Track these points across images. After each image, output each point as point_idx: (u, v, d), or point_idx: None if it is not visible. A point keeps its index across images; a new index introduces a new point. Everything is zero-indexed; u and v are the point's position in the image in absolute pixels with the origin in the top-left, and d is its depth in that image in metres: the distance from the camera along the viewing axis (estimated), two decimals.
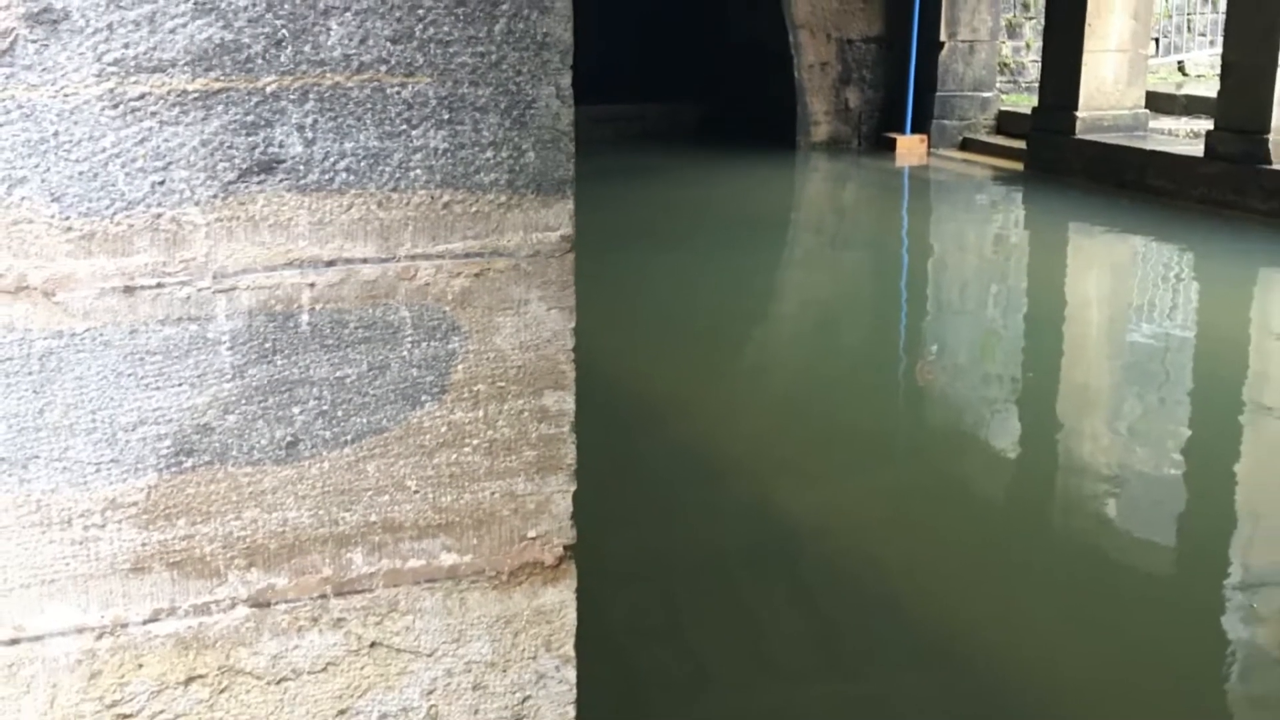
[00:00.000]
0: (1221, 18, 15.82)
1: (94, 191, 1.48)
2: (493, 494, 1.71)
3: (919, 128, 17.13)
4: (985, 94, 17.32)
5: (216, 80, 1.50)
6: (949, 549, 5.30)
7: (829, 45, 17.38)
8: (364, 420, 1.63)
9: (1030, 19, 18.71)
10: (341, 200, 1.57)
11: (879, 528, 5.51)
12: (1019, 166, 15.42)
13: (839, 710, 4.10)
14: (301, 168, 1.55)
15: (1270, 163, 12.10)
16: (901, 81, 17.24)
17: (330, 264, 1.58)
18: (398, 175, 1.59)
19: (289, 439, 1.61)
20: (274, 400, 1.59)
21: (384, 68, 1.56)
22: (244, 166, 1.52)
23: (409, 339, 1.63)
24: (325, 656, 1.68)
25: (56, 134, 1.46)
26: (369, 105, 1.56)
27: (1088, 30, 14.39)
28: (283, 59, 1.52)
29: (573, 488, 1.75)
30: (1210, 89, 15.47)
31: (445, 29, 1.57)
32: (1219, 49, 14.05)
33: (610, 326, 8.18)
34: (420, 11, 1.56)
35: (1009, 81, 18.49)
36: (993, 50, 17.42)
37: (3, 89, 1.43)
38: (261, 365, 1.58)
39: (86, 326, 1.50)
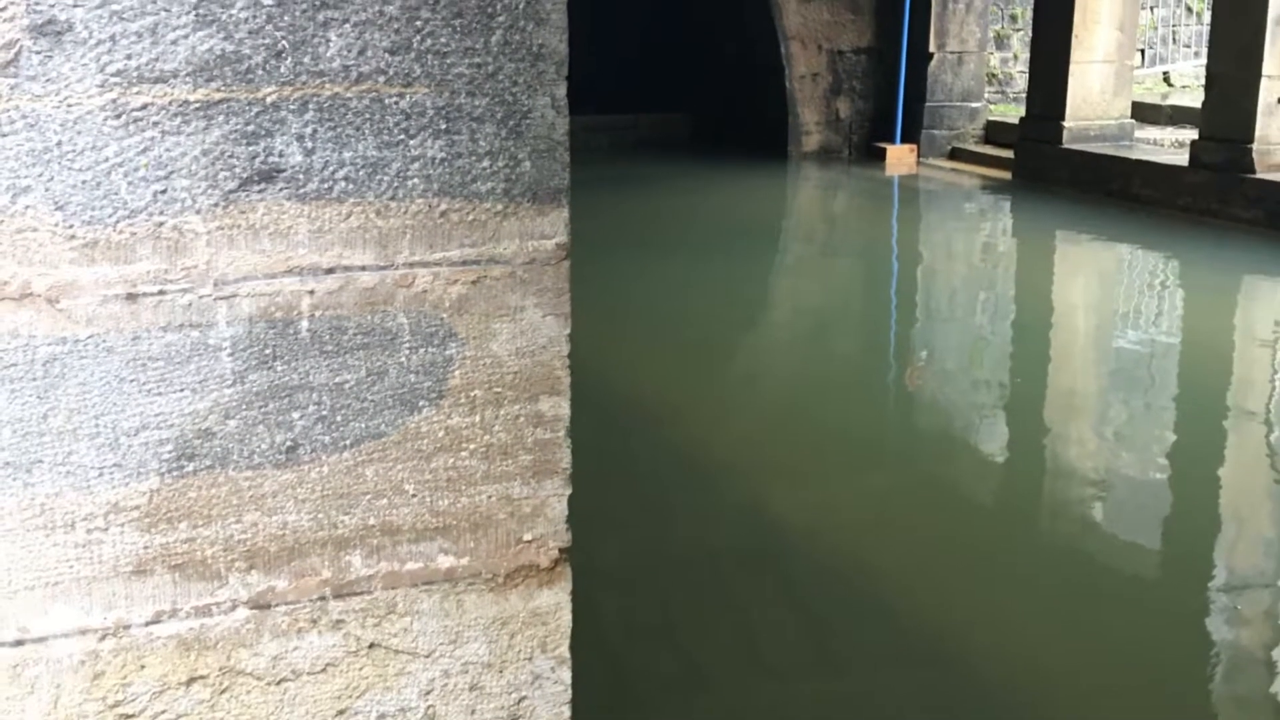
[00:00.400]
0: (1206, 29, 15.86)
1: (97, 200, 1.48)
2: (489, 498, 1.71)
3: (908, 137, 17.15)
4: (973, 104, 17.34)
5: (217, 91, 1.50)
6: (937, 551, 5.30)
7: (820, 56, 17.40)
8: (362, 425, 1.63)
9: (1018, 30, 18.75)
10: (340, 209, 1.57)
11: (869, 530, 5.51)
12: (1007, 175, 15.43)
13: (829, 708, 4.10)
14: (301, 177, 1.55)
15: (1254, 171, 12.12)
16: (891, 92, 17.26)
17: (329, 271, 1.58)
18: (396, 184, 1.59)
19: (289, 444, 1.61)
20: (274, 405, 1.59)
21: (382, 78, 1.56)
22: (244, 175, 1.53)
23: (407, 345, 1.63)
24: (324, 657, 1.68)
25: (60, 144, 1.46)
26: (368, 115, 1.56)
27: (1074, 42, 14.42)
28: (283, 70, 1.52)
29: (568, 491, 1.76)
30: (1195, 99, 15.49)
31: (442, 40, 1.58)
32: (1203, 60, 14.10)
33: (605, 332, 8.19)
34: (418, 23, 1.56)
35: (997, 92, 18.52)
36: (981, 61, 17.43)
37: (7, 99, 1.43)
38: (262, 371, 1.58)
39: (90, 333, 1.50)
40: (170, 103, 1.49)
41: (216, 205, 1.52)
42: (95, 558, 1.56)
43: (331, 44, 1.53)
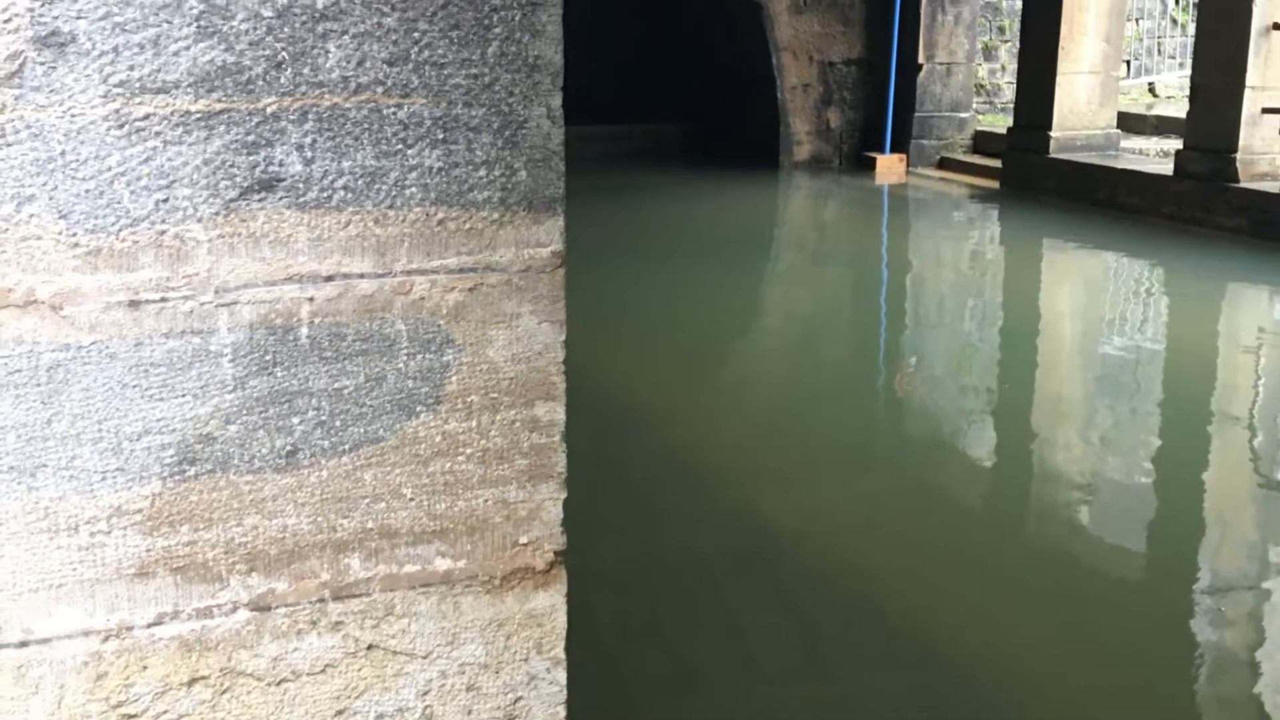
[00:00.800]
0: (1190, 41, 15.87)
1: (100, 209, 1.48)
2: (486, 501, 1.71)
3: (898, 147, 17.16)
4: (962, 114, 17.35)
5: (218, 101, 1.50)
6: (926, 554, 5.30)
7: (811, 67, 17.40)
8: (361, 430, 1.64)
9: (1005, 42, 18.76)
10: (339, 217, 1.57)
11: (859, 533, 5.51)
12: (995, 184, 15.44)
13: (820, 709, 4.10)
14: (301, 186, 1.55)
15: (1237, 181, 12.14)
16: (881, 102, 17.26)
17: (329, 279, 1.58)
18: (394, 193, 1.59)
19: (289, 448, 1.61)
20: (274, 411, 1.59)
21: (380, 89, 1.56)
22: (245, 185, 1.53)
23: (404, 351, 1.63)
24: (324, 658, 1.68)
25: (64, 153, 1.46)
26: (366, 125, 1.57)
27: (1061, 53, 14.44)
28: (282, 80, 1.52)
29: (563, 495, 1.76)
30: (1179, 109, 15.52)
31: (440, 51, 1.58)
32: (1188, 71, 14.10)
33: (600, 339, 8.19)
34: (415, 35, 1.57)
35: (985, 102, 18.53)
36: (969, 72, 17.45)
37: (12, 109, 1.44)
38: (262, 377, 1.58)
39: (93, 339, 1.51)
40: (172, 113, 1.49)
41: (217, 214, 1.53)
42: (98, 560, 1.56)
43: (330, 55, 1.54)
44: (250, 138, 1.52)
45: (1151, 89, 20.17)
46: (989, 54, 18.84)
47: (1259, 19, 11.99)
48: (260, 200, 1.54)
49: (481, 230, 1.64)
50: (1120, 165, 14.03)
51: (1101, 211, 13.49)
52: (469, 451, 1.69)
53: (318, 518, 1.64)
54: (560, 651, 1.81)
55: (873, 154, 17.21)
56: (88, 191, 1.48)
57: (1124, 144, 15.24)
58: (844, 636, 4.58)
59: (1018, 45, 16.05)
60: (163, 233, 1.51)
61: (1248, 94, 12.06)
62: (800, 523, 5.58)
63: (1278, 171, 12.25)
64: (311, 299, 1.58)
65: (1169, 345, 9.20)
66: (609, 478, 5.89)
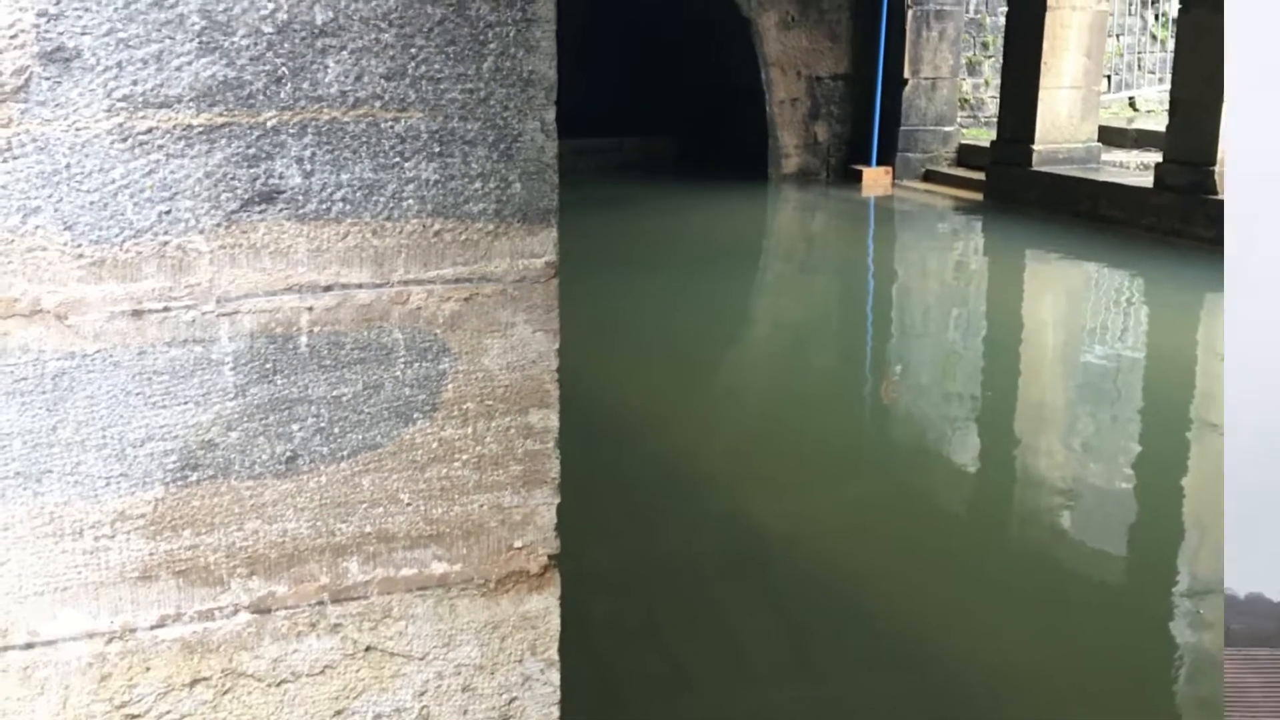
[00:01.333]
0: (1170, 56, 15.90)
1: (104, 220, 1.48)
2: (481, 506, 1.72)
3: (884, 160, 17.19)
4: (946, 128, 17.38)
5: (220, 115, 1.51)
6: (913, 558, 5.30)
7: (799, 82, 17.43)
8: (359, 436, 1.64)
9: (989, 57, 18.80)
10: (338, 228, 1.58)
11: (847, 537, 5.51)
12: (979, 197, 15.47)
13: (810, 710, 4.10)
14: (300, 198, 1.55)
15: (1216, 193, 12.17)
16: (867, 116, 17.30)
17: (328, 289, 1.58)
18: (391, 205, 1.59)
19: (288, 454, 1.61)
20: (274, 418, 1.59)
21: (378, 103, 1.57)
22: (246, 197, 1.53)
23: (402, 360, 1.64)
24: (323, 660, 1.68)
25: (69, 166, 1.46)
26: (364, 139, 1.57)
27: (1043, 68, 14.47)
28: (283, 95, 1.52)
29: (557, 500, 1.76)
30: (1159, 123, 15.56)
31: (436, 66, 1.58)
32: (1168, 86, 14.11)
33: (593, 348, 8.18)
34: (413, 50, 1.57)
35: (969, 116, 18.57)
36: (953, 87, 17.48)
37: (18, 123, 1.44)
38: (262, 385, 1.58)
39: (97, 348, 1.51)
40: (174, 127, 1.49)
41: (219, 225, 1.53)
42: (103, 564, 1.56)
43: (329, 70, 1.54)
44: (251, 151, 1.53)
45: (1132, 103, 20.22)
46: (973, 69, 18.88)
47: None
48: (261, 212, 1.54)
49: (477, 241, 1.64)
50: (1101, 178, 14.06)
51: (1083, 223, 13.52)
52: (465, 457, 1.70)
53: (317, 522, 1.64)
54: (554, 653, 1.81)
55: (859, 167, 17.24)
56: (92, 203, 1.48)
57: (1105, 157, 15.28)
58: (833, 638, 4.58)
59: (1001, 61, 16.08)
60: (165, 244, 1.51)
61: (1226, 108, 12.09)
62: (790, 527, 5.58)
63: None
64: (311, 308, 1.58)
65: (1149, 354, 9.21)
66: (602, 483, 5.89)
